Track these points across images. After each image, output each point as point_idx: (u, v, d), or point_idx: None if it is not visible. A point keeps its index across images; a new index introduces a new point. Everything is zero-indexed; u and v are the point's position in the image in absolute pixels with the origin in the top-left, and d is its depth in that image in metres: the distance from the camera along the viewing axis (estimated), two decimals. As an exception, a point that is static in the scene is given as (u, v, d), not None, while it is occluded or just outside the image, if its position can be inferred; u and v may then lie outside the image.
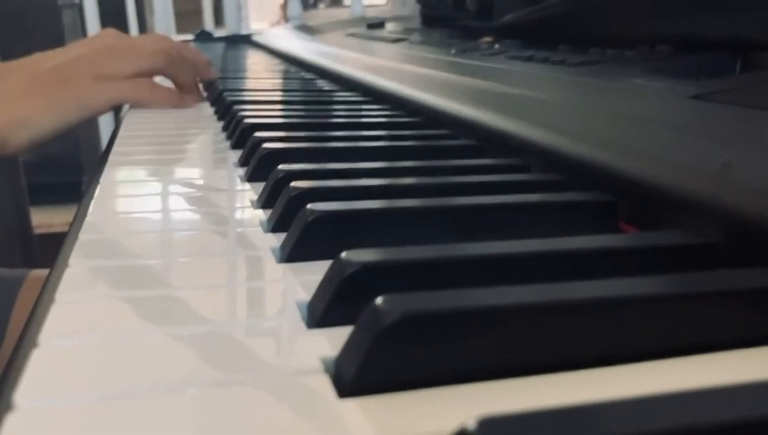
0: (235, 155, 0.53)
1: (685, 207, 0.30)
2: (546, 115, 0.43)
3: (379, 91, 0.72)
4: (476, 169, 0.43)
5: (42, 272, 0.77)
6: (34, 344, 0.23)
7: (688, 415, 0.16)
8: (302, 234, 0.31)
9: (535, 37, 0.71)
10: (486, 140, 0.49)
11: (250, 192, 0.43)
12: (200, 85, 0.88)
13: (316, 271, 0.27)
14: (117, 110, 0.88)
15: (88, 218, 0.38)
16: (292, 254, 0.31)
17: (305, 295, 0.27)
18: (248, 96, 0.79)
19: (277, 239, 0.34)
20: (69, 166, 2.04)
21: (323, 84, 0.91)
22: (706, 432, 0.15)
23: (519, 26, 0.73)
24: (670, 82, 0.41)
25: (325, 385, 0.21)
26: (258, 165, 0.46)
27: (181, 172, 0.52)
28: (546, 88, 0.50)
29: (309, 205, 0.32)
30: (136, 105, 0.76)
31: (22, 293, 0.72)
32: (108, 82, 0.71)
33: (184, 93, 0.80)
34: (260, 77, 1.11)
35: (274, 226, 0.35)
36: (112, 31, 0.86)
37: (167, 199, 0.43)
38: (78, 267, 0.30)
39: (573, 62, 0.53)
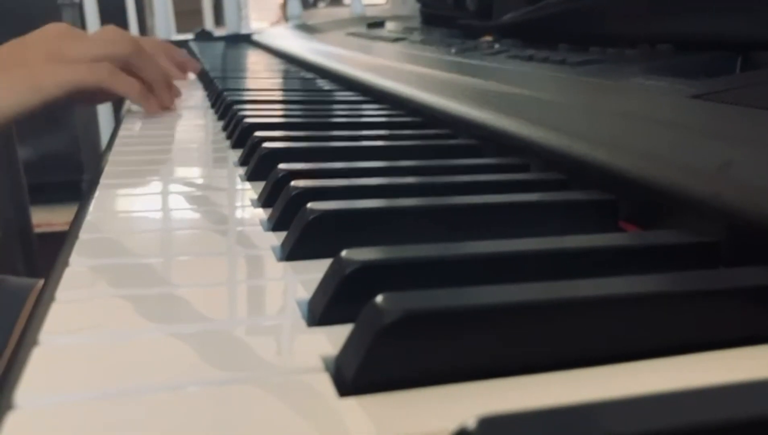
0: (235, 154, 0.53)
1: (685, 206, 0.30)
2: (546, 114, 0.43)
3: (379, 90, 0.72)
4: (476, 168, 0.43)
5: None
6: (34, 343, 0.23)
7: (689, 414, 0.16)
8: (302, 233, 0.31)
9: (535, 36, 0.71)
10: (486, 139, 0.49)
11: (250, 191, 0.43)
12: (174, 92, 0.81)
13: (316, 270, 0.28)
14: (117, 109, 0.87)
15: (89, 217, 0.38)
16: (292, 253, 0.31)
17: (305, 293, 0.27)
18: (248, 95, 0.78)
19: (277, 238, 0.34)
20: (69, 165, 2.03)
21: (323, 83, 0.91)
22: (706, 431, 0.15)
23: (519, 25, 0.73)
24: (670, 82, 0.41)
25: (325, 384, 0.21)
26: (258, 164, 0.46)
27: (181, 172, 0.52)
28: (546, 87, 0.50)
29: (309, 204, 0.32)
30: (97, 91, 0.69)
31: (29, 303, 0.71)
32: (66, 65, 0.66)
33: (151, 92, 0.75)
34: (260, 77, 1.11)
35: (275, 225, 0.35)
36: (112, 28, 0.84)
37: (167, 198, 0.43)
38: (78, 266, 0.31)
39: (573, 61, 0.53)
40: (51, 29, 0.70)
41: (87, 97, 0.73)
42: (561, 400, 0.17)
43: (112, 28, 0.80)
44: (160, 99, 0.76)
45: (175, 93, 0.81)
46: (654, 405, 0.16)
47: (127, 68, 0.72)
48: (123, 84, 0.69)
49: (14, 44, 0.68)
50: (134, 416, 0.19)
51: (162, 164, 0.54)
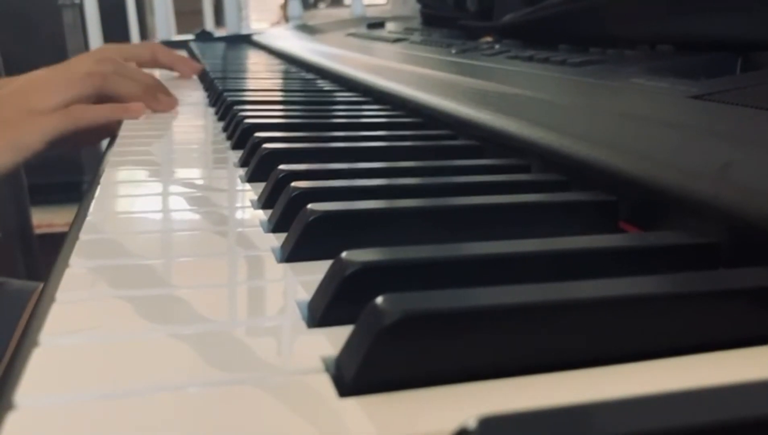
0: (236, 155, 0.53)
1: (685, 207, 0.30)
2: (546, 115, 0.43)
3: (380, 91, 0.72)
4: (477, 169, 0.43)
5: None
6: (34, 343, 0.23)
7: (688, 414, 0.16)
8: (303, 234, 0.31)
9: (535, 37, 0.71)
10: (486, 140, 0.49)
11: (250, 192, 0.43)
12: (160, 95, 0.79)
13: (316, 271, 0.28)
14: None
15: (89, 218, 0.38)
16: (292, 254, 0.31)
17: (306, 294, 0.27)
18: (248, 96, 0.78)
19: (277, 239, 0.34)
20: (69, 166, 2.04)
21: (323, 84, 0.91)
22: (706, 431, 0.15)
23: (519, 26, 0.73)
24: (670, 82, 0.41)
25: (325, 385, 0.21)
26: (258, 165, 0.46)
27: (182, 173, 0.52)
28: (546, 88, 0.50)
29: (309, 205, 0.32)
30: (79, 130, 0.69)
31: (30, 305, 0.71)
32: (40, 117, 0.66)
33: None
34: (260, 77, 1.11)
35: (275, 226, 0.35)
36: (111, 46, 0.84)
37: (167, 199, 0.43)
38: (78, 267, 0.31)
39: (573, 62, 0.53)
40: (20, 83, 0.70)
41: (74, 141, 0.72)
42: (561, 400, 0.17)
43: (81, 61, 0.79)
44: (150, 109, 0.76)
45: (166, 100, 0.79)
46: (654, 405, 0.16)
47: (105, 96, 0.72)
48: (99, 115, 0.70)
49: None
50: (134, 417, 0.19)
51: (162, 165, 0.54)
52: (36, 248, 1.50)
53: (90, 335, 0.24)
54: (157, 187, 0.48)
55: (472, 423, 0.15)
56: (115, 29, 2.08)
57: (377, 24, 1.31)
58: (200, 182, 0.49)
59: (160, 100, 0.77)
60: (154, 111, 0.76)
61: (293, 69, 1.13)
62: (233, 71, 1.12)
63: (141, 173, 0.51)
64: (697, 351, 0.22)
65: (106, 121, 0.71)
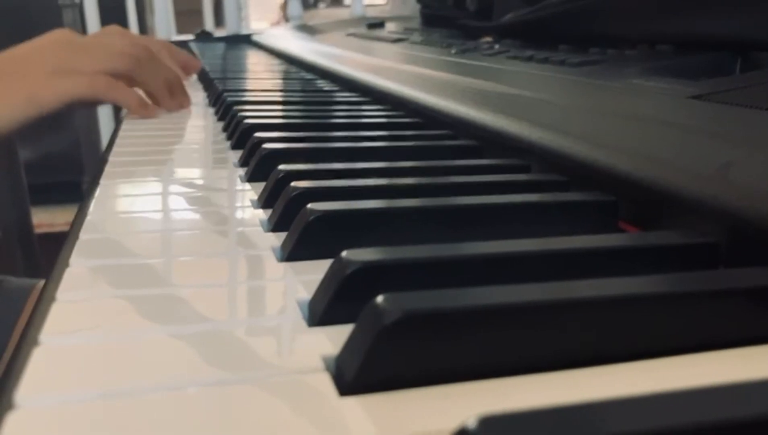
0: (236, 155, 0.53)
1: (685, 207, 0.30)
2: (546, 115, 0.43)
3: (379, 91, 0.72)
4: (476, 169, 0.43)
5: None
6: (35, 343, 0.23)
7: (688, 414, 0.16)
8: (303, 233, 0.31)
9: (535, 37, 0.71)
10: (486, 140, 0.49)
11: (250, 192, 0.43)
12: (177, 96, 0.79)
13: (316, 271, 0.28)
14: (117, 110, 0.87)
15: (89, 218, 0.38)
16: (292, 253, 0.31)
17: (306, 294, 0.27)
18: (248, 96, 0.79)
19: (277, 239, 0.34)
20: (70, 166, 2.04)
21: (323, 84, 0.91)
22: (706, 431, 0.15)
23: (519, 26, 0.73)
24: (670, 82, 0.41)
25: (326, 384, 0.21)
26: (258, 165, 0.46)
27: (182, 172, 0.52)
28: (546, 88, 0.50)
29: (309, 205, 0.32)
30: (93, 102, 0.70)
31: (30, 304, 0.71)
32: (65, 77, 0.65)
33: (153, 101, 0.75)
34: (260, 77, 1.11)
35: (275, 226, 0.35)
36: (115, 28, 0.84)
37: (168, 199, 0.43)
38: (79, 266, 0.31)
39: (573, 62, 0.53)
40: (53, 38, 0.69)
41: (86, 104, 0.72)
42: (561, 400, 0.17)
43: (116, 33, 0.79)
44: (164, 106, 0.75)
45: (181, 98, 0.79)
46: (654, 405, 0.16)
47: (129, 78, 0.72)
48: (121, 96, 0.70)
49: (15, 53, 0.67)
50: (134, 417, 0.19)
51: (162, 165, 0.54)
52: (36, 248, 1.50)
53: (90, 335, 0.24)
54: (157, 186, 0.48)
55: (472, 423, 0.15)
56: (115, 29, 2.08)
57: (377, 24, 1.31)
58: (200, 182, 0.49)
59: (174, 99, 0.77)
60: (167, 110, 0.75)
61: (293, 69, 1.13)
62: (233, 71, 1.12)
63: (141, 173, 0.51)
64: (697, 351, 0.22)
65: (122, 106, 0.71)
